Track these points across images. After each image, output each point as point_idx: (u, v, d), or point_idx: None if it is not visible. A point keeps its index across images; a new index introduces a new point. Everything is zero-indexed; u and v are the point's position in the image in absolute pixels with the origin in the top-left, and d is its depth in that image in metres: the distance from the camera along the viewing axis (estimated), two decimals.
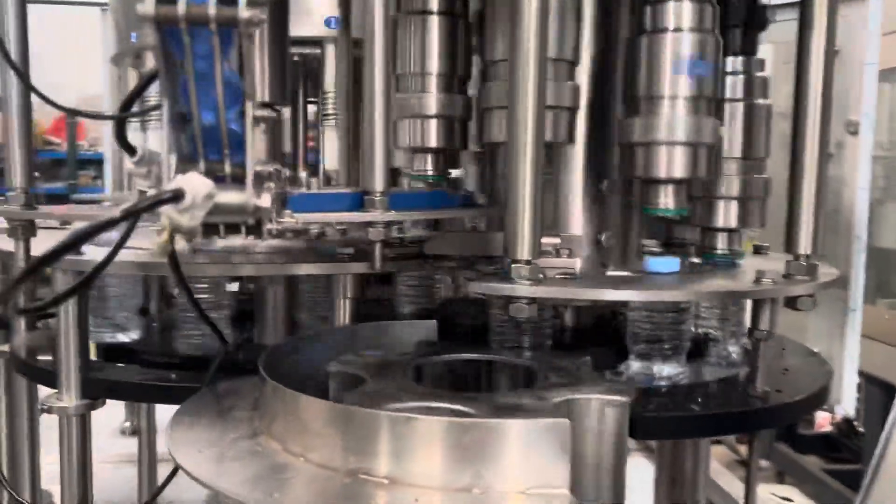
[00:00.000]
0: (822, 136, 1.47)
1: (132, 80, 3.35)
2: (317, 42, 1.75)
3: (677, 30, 1.42)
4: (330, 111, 1.76)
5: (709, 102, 1.45)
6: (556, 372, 1.31)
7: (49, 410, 1.71)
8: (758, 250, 1.86)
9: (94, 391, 1.72)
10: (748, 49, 1.60)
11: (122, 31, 3.33)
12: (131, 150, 1.13)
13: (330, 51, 1.78)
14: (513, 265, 1.34)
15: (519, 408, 1.14)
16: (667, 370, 1.42)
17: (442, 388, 1.41)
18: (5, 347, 2.14)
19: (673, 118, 1.42)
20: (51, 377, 1.77)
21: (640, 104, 1.45)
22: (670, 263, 1.51)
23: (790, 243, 1.50)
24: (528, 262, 1.34)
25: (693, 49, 1.41)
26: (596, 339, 1.59)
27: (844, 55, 2.49)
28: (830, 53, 1.46)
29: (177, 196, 0.79)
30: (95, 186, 3.69)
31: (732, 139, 1.59)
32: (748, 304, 1.56)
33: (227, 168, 0.93)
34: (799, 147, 1.48)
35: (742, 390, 1.44)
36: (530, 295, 1.32)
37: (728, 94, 1.59)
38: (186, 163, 0.89)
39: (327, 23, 1.74)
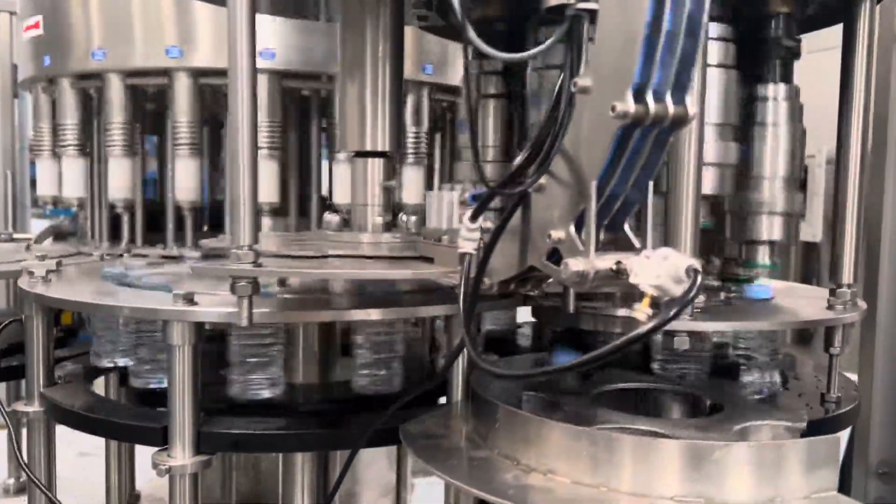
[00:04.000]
0: (862, 172, 1.76)
1: (43, 105, 3.07)
2: None
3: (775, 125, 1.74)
4: None
5: (797, 180, 1.77)
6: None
7: (169, 471, 1.61)
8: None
9: (214, 446, 1.65)
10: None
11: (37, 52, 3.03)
12: (476, 217, 1.17)
13: None
14: None
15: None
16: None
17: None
18: (29, 408, 1.93)
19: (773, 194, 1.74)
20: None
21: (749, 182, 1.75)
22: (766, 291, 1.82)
23: (835, 273, 1.84)
24: None
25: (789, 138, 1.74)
26: None
27: None
28: (870, 89, 1.74)
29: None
30: None
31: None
32: None
33: (602, 235, 1.04)
34: (842, 182, 1.76)
35: (819, 399, 1.78)
36: (697, 329, 1.55)
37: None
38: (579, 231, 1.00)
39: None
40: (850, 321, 1.76)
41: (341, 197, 2.72)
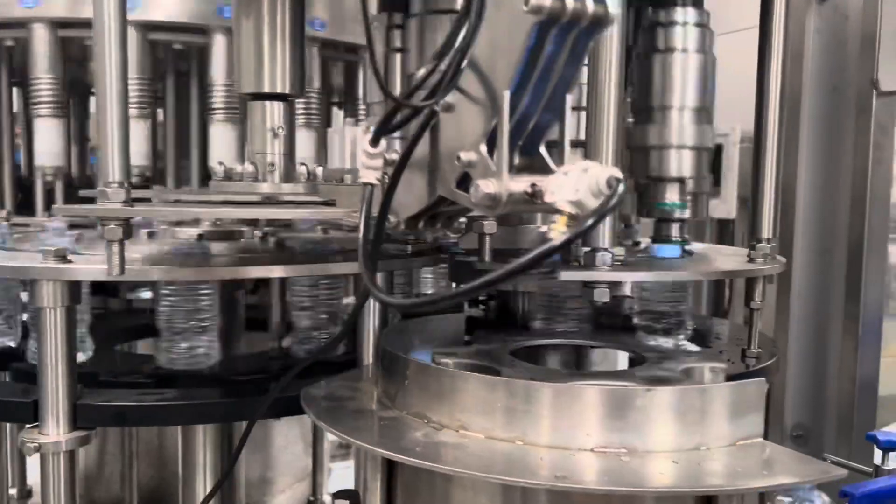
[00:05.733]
0: (780, 126, 1.71)
1: None
2: None
3: (684, 50, 1.66)
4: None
5: (709, 112, 1.71)
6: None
7: (38, 449, 1.43)
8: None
9: (93, 420, 1.48)
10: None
11: None
12: (377, 141, 1.03)
13: None
14: (596, 254, 1.48)
15: (664, 379, 1.29)
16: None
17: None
18: None
19: (682, 126, 1.65)
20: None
21: (653, 114, 1.67)
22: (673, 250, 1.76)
23: (755, 228, 1.80)
24: (606, 251, 1.49)
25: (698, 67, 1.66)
26: None
27: None
28: (787, 58, 1.70)
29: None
30: None
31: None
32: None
33: (517, 160, 0.94)
34: (762, 141, 1.71)
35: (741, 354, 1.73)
36: (617, 279, 1.47)
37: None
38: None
39: None
40: (770, 273, 1.72)
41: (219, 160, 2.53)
